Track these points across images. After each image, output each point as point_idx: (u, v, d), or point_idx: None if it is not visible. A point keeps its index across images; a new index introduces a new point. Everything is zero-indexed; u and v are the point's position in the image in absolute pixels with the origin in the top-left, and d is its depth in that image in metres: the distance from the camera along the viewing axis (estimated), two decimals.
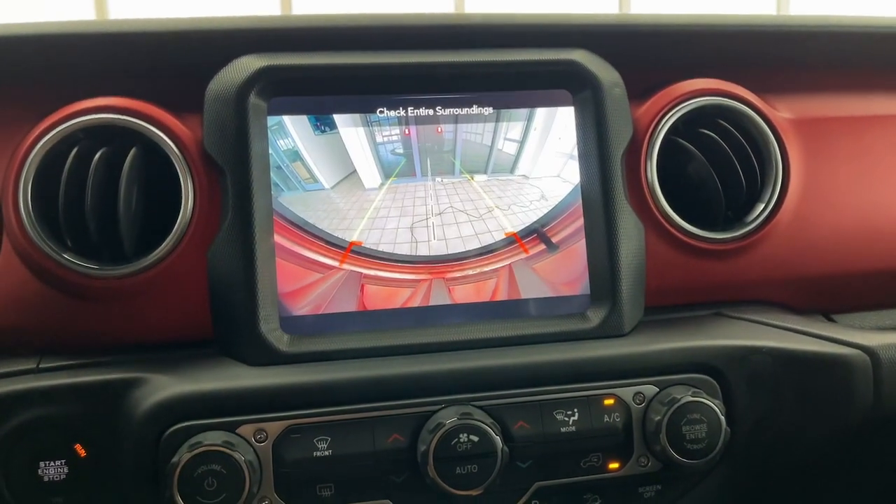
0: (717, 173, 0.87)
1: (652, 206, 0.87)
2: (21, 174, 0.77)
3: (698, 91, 0.89)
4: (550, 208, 0.85)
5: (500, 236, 0.84)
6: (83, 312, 0.78)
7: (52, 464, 0.73)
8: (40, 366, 0.76)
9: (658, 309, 0.87)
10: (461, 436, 0.72)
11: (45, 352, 0.78)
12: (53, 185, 0.77)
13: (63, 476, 0.73)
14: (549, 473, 0.77)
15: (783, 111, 0.93)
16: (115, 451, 0.73)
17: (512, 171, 0.86)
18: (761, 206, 0.89)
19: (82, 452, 0.74)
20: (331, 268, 0.81)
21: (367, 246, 0.82)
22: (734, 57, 0.95)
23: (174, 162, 0.79)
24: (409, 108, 0.84)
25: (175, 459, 0.69)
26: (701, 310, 0.89)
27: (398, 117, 0.84)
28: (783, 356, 0.81)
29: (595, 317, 0.83)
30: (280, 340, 0.78)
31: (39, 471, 0.73)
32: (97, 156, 0.78)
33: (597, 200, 0.85)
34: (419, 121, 0.84)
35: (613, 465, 0.78)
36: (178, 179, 0.79)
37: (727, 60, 0.94)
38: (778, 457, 0.83)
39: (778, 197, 0.89)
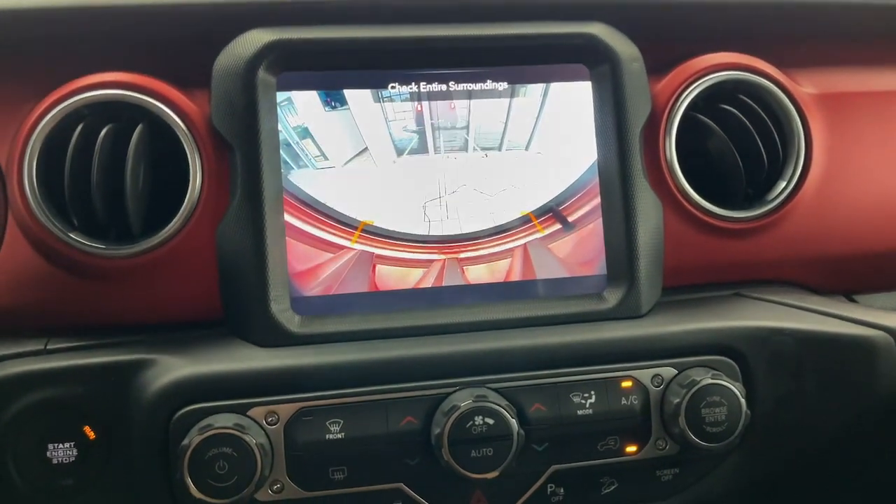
0: (738, 150, 0.85)
1: (671, 183, 0.85)
2: (26, 152, 0.75)
3: (719, 65, 0.87)
4: (566, 186, 0.83)
5: (514, 215, 0.83)
6: (91, 292, 0.77)
7: (61, 446, 0.72)
8: (48, 347, 0.75)
9: (676, 289, 0.86)
10: (476, 418, 0.71)
11: (52, 333, 0.76)
12: (59, 163, 0.76)
13: (72, 458, 0.72)
14: (566, 456, 0.76)
15: (806, 86, 0.90)
16: (124, 433, 0.72)
17: (527, 147, 0.83)
18: (783, 184, 0.87)
19: (92, 434, 0.73)
20: (342, 247, 0.80)
21: (379, 225, 0.80)
22: (756, 30, 0.92)
23: (181, 138, 0.77)
24: (422, 84, 0.82)
25: (185, 442, 0.68)
26: (719, 290, 0.87)
27: (410, 93, 0.82)
28: (805, 338, 0.80)
29: (612, 297, 0.81)
30: (291, 321, 0.76)
31: (48, 453, 0.72)
32: (103, 133, 0.76)
33: (614, 178, 0.82)
34: (432, 96, 0.82)
35: (631, 449, 0.77)
36: (186, 156, 0.77)
37: (749, 34, 0.92)
38: (798, 440, 0.82)
39: (800, 174, 0.87)
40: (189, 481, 0.68)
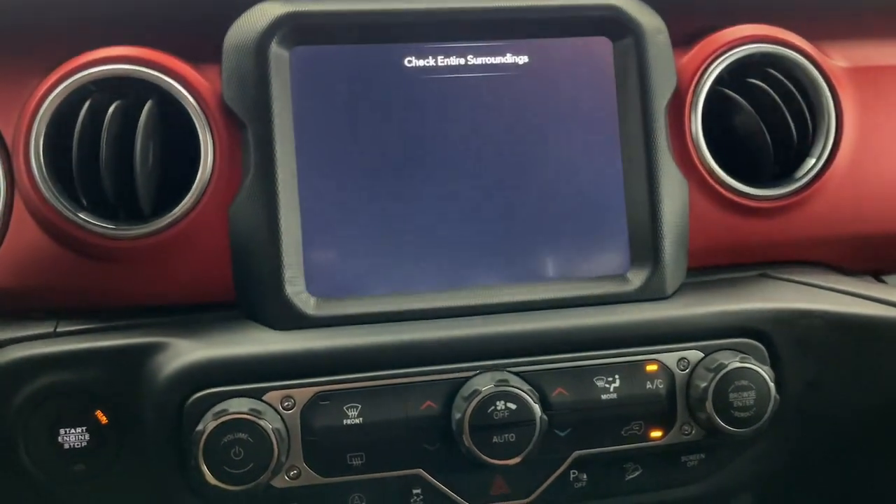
0: (766, 126, 0.82)
1: (696, 160, 0.82)
2: (32, 129, 0.73)
3: (746, 38, 0.84)
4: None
5: None
6: (100, 274, 0.75)
7: (72, 431, 0.71)
8: (57, 330, 0.73)
9: (700, 270, 0.83)
10: (498, 403, 0.69)
11: (62, 315, 0.75)
12: (67, 141, 0.73)
13: (84, 443, 0.71)
14: (589, 442, 0.74)
15: (837, 59, 0.87)
16: (137, 418, 0.70)
17: (547, 123, 0.80)
18: (812, 161, 0.84)
19: (104, 419, 0.71)
20: None
21: None
22: (785, 1, 0.89)
23: (192, 115, 0.75)
24: (439, 58, 0.79)
25: (200, 428, 0.67)
26: (745, 271, 0.85)
27: (427, 67, 0.79)
28: (834, 320, 0.77)
29: (636, 279, 0.79)
30: (306, 303, 0.74)
31: (60, 438, 0.71)
32: (111, 109, 0.74)
33: (638, 156, 0.80)
34: (449, 71, 0.79)
35: (655, 434, 0.75)
36: (197, 134, 0.75)
37: (777, 4, 0.88)
38: (827, 424, 0.80)
39: (830, 151, 0.84)
40: (204, 468, 0.66)
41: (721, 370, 0.73)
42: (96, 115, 0.74)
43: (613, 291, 0.78)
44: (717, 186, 0.82)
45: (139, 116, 0.73)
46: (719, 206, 0.83)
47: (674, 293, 0.79)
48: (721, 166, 0.82)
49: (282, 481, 0.70)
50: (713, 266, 0.84)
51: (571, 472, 0.75)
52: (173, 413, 0.69)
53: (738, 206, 0.83)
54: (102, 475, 0.72)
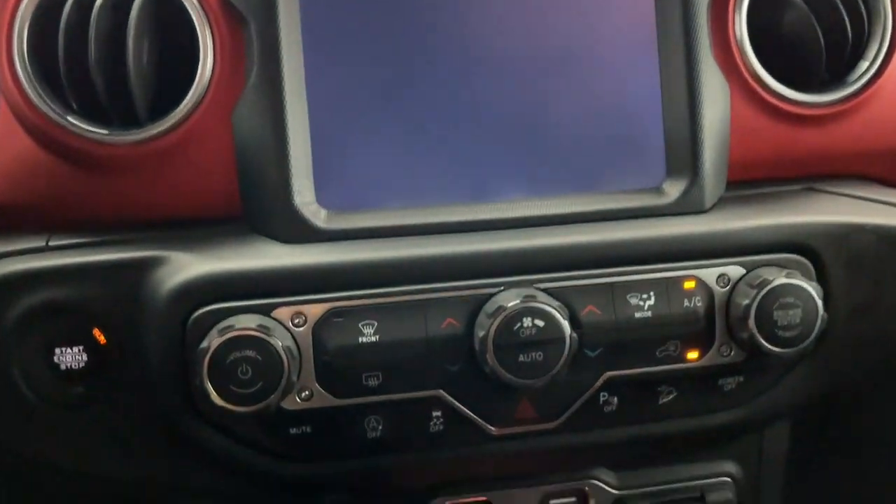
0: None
1: (740, 64, 0.75)
2: (14, 24, 0.67)
3: None
4: None
5: None
6: (93, 184, 0.70)
7: (69, 350, 0.67)
8: (49, 244, 0.69)
9: (740, 183, 0.77)
10: (524, 320, 0.64)
11: (53, 229, 0.70)
12: (53, 40, 0.67)
13: (82, 364, 0.67)
14: (621, 363, 0.70)
15: None
16: (137, 336, 0.66)
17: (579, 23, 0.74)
18: (865, 65, 0.77)
19: (102, 339, 0.67)
20: None
21: None
22: None
23: (189, 10, 0.69)
24: None
25: (204, 345, 0.62)
26: (789, 184, 0.79)
27: None
28: (888, 234, 0.72)
29: (672, 190, 0.73)
30: (316, 216, 0.69)
31: (55, 358, 0.67)
32: (98, 2, 0.67)
33: (677, 58, 0.73)
34: None
35: (692, 355, 0.70)
36: (195, 31, 0.69)
37: None
38: (876, 348, 0.75)
39: (886, 54, 0.77)
40: (209, 387, 0.62)
41: (765, 286, 0.68)
42: (83, 9, 0.68)
43: (648, 204, 0.73)
44: (762, 92, 0.76)
45: (130, 9, 0.67)
46: (763, 114, 0.76)
47: (713, 206, 0.74)
48: (767, 70, 0.76)
49: (293, 403, 0.66)
50: (754, 179, 0.78)
51: (602, 394, 0.70)
52: (175, 331, 0.65)
53: (783, 113, 0.76)
54: (102, 398, 0.68)
